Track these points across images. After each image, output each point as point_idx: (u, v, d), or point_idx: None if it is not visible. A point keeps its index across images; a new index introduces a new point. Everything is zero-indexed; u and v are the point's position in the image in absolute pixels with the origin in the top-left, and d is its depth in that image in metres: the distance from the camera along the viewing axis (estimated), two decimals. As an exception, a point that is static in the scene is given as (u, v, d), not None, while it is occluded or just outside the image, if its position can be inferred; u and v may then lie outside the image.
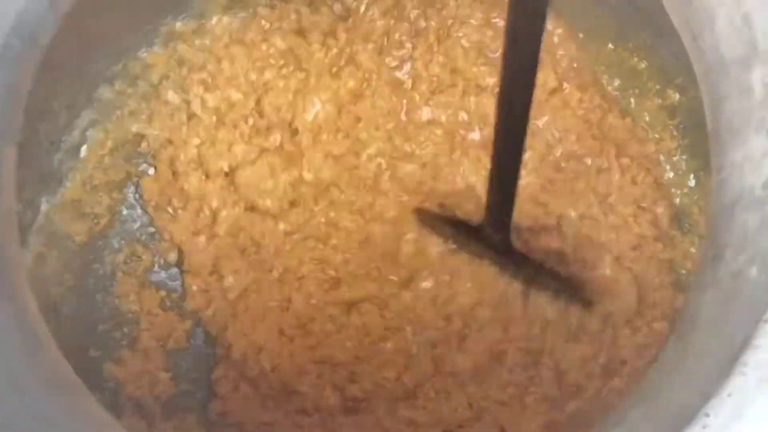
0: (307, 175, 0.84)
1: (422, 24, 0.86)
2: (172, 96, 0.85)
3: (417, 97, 0.86)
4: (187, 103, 0.85)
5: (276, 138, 0.83)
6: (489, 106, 0.83)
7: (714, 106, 0.45)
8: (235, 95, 0.84)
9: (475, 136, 0.84)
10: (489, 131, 0.79)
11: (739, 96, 0.44)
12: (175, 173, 0.85)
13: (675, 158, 0.83)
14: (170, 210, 0.84)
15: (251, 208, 0.84)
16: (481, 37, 0.86)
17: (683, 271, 0.80)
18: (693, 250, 0.81)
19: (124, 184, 0.85)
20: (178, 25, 0.84)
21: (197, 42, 0.85)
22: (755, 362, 0.37)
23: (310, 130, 0.84)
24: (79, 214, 0.82)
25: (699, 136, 0.80)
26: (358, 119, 0.85)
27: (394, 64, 0.86)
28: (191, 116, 0.85)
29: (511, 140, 0.63)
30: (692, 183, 0.82)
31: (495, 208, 0.72)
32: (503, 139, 0.63)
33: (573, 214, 0.81)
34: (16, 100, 0.45)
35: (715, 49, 0.45)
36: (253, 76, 0.85)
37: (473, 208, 0.82)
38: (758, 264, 0.39)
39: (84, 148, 0.82)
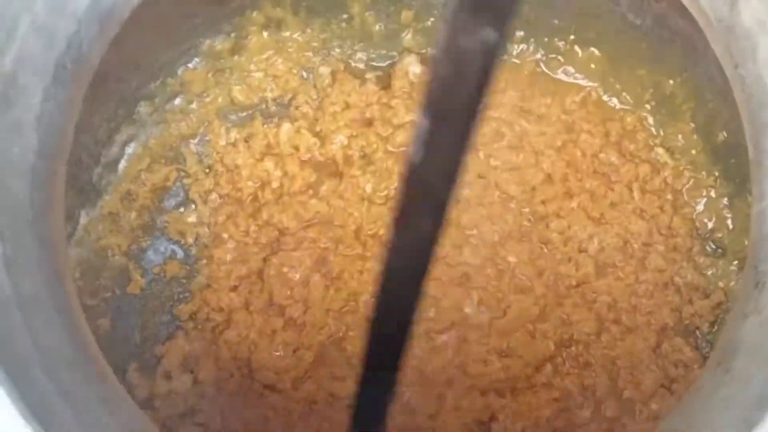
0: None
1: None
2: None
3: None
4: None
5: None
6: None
7: (755, 134, 0.46)
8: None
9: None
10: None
11: (781, 125, 0.44)
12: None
13: (709, 182, 0.83)
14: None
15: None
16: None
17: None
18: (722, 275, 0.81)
19: (161, 197, 0.86)
20: (216, 42, 0.85)
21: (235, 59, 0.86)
22: (798, 391, 0.38)
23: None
24: (117, 227, 0.83)
25: (734, 161, 0.80)
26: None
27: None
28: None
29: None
30: (726, 209, 0.82)
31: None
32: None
33: None
34: (69, 120, 0.46)
35: (757, 78, 0.45)
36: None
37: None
38: (801, 292, 0.40)
39: (122, 162, 0.83)
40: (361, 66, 0.90)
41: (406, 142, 0.86)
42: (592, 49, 0.87)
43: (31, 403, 0.38)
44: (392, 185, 0.85)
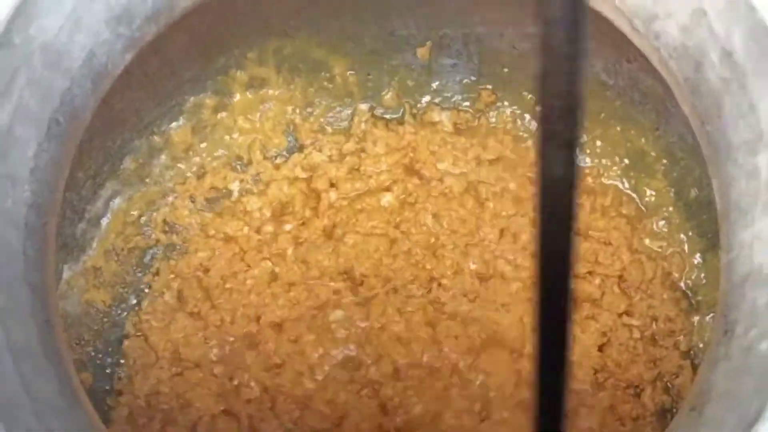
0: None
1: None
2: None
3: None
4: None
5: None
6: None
7: (722, 188, 0.48)
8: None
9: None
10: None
11: (746, 179, 0.46)
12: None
13: (681, 237, 0.85)
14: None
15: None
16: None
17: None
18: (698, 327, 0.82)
19: (144, 253, 0.87)
20: (200, 101, 0.86)
21: (219, 116, 0.88)
22: (767, 432, 0.39)
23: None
24: (99, 282, 0.84)
25: (706, 217, 0.83)
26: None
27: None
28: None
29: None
30: (700, 264, 0.84)
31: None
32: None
33: None
34: (61, 173, 0.48)
35: (722, 134, 0.47)
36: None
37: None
38: (768, 339, 0.41)
39: (106, 218, 0.84)
40: (344, 124, 0.92)
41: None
42: (567, 108, 0.89)
43: (22, 448, 0.39)
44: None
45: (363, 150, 0.91)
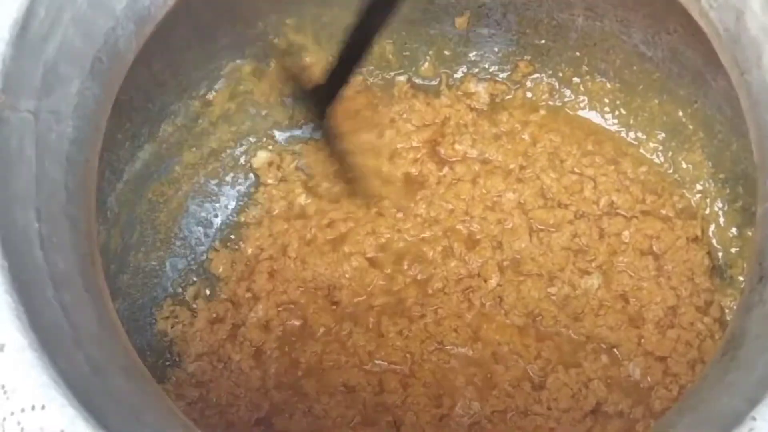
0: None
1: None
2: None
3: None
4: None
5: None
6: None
7: (761, 138, 0.48)
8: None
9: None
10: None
11: (785, 128, 0.46)
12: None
13: (717, 209, 0.85)
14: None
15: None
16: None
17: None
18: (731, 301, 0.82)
19: (181, 216, 0.88)
20: (238, 66, 0.87)
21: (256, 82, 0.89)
22: (800, 371, 0.39)
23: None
24: (137, 241, 0.85)
25: (742, 190, 0.82)
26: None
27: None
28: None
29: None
30: (736, 238, 0.84)
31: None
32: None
33: None
34: (102, 112, 0.49)
35: (762, 83, 0.47)
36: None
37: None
38: (802, 283, 0.41)
39: (144, 179, 0.85)
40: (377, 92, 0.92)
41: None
42: (604, 80, 0.89)
43: (63, 371, 0.40)
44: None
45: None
